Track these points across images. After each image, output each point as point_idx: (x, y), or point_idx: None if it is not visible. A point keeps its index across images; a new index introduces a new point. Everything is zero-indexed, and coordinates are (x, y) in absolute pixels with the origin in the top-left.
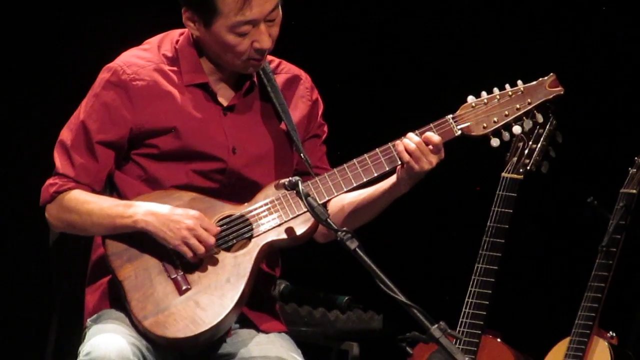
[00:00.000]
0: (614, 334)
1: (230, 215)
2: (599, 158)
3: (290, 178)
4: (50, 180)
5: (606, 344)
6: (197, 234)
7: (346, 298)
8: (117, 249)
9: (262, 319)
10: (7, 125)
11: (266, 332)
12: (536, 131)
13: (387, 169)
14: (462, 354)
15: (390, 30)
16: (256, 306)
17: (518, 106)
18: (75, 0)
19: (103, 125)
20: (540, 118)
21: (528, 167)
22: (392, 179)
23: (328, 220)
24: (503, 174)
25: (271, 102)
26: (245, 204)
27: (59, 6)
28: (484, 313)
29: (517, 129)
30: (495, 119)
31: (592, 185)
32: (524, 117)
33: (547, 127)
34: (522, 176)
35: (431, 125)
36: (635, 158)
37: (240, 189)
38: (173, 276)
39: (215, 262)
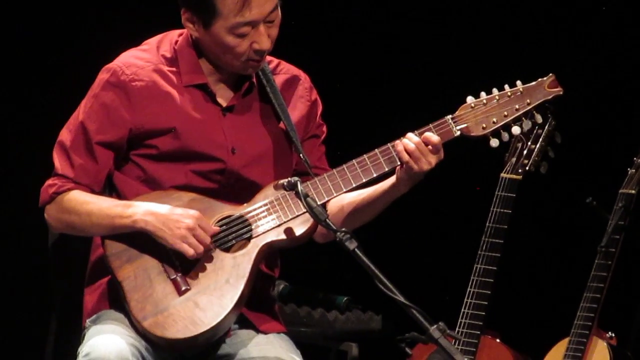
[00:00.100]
0: (613, 335)
1: (230, 216)
2: (597, 158)
3: (290, 178)
4: (49, 181)
5: (605, 344)
6: (196, 234)
7: (345, 298)
8: (117, 250)
9: (261, 319)
10: (7, 125)
11: (265, 332)
12: (535, 132)
13: (387, 169)
14: (461, 355)
15: (390, 30)
16: (255, 307)
17: (517, 107)
18: (75, 0)
19: (102, 125)
20: (539, 118)
21: (527, 168)
22: (392, 179)
23: (327, 220)
24: (502, 175)
25: (270, 103)
26: (245, 204)
27: (59, 6)
28: (483, 313)
29: (516, 130)
30: (495, 120)
31: (591, 186)
32: (523, 118)
33: (546, 127)
34: (521, 177)
35: (430, 125)
36: (634, 158)
37: (240, 189)
38: (172, 277)
39: (214, 262)
